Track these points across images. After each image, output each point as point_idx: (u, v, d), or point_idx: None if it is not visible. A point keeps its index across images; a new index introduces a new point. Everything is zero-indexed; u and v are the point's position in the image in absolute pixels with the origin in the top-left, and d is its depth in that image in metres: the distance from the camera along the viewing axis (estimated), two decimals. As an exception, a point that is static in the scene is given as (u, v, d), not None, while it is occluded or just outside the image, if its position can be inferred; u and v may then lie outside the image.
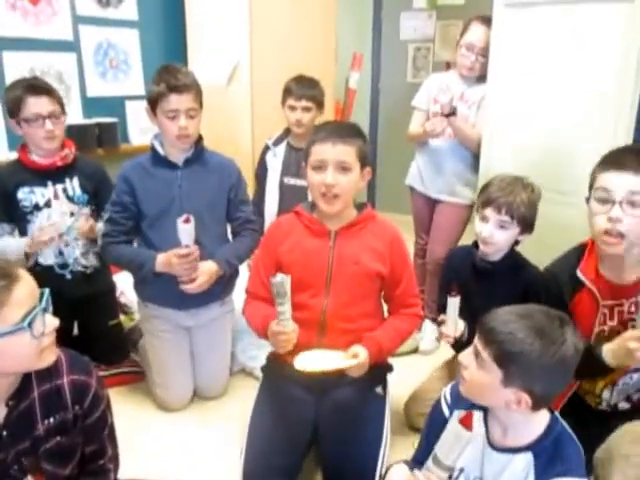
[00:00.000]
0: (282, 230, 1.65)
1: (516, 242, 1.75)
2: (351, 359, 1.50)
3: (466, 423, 1.10)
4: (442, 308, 1.71)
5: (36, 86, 1.93)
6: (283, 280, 1.39)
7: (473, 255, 1.77)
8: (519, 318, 1.09)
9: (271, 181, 2.47)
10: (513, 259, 1.77)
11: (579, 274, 1.49)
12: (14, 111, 1.92)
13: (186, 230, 1.76)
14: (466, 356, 1.17)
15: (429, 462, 1.14)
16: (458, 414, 1.13)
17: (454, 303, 1.60)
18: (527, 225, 1.69)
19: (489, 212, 1.68)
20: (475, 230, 1.75)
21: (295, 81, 2.43)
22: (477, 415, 1.22)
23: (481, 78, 2.42)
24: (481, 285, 1.75)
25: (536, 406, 1.10)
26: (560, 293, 1.51)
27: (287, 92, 2.42)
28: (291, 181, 2.44)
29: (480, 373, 1.12)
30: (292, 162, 2.44)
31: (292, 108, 2.40)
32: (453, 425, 1.12)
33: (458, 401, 1.25)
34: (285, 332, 1.46)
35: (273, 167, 2.47)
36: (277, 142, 2.49)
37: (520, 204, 1.65)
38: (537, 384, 1.08)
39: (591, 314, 1.48)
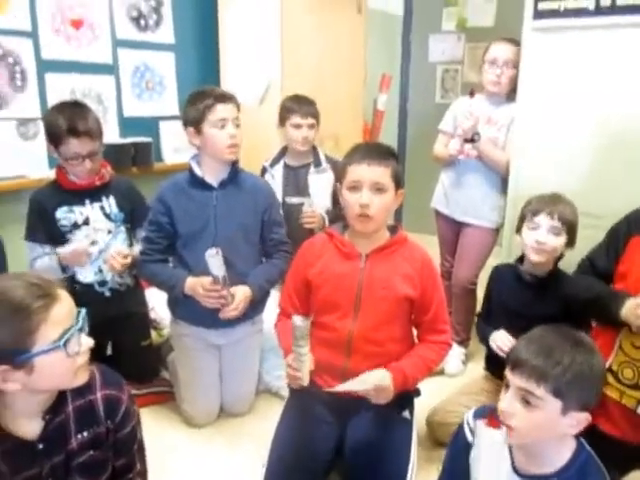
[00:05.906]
0: (314, 251, 1.67)
1: (560, 256, 1.83)
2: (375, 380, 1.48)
3: (493, 424, 1.09)
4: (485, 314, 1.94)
5: (77, 129, 1.87)
6: (303, 324, 1.38)
7: (517, 270, 1.87)
8: (557, 343, 1.10)
9: None
10: (559, 274, 1.84)
11: None
12: (53, 141, 1.90)
13: (214, 262, 1.76)
14: (509, 404, 1.11)
15: None
16: (481, 423, 1.12)
17: None
18: (572, 237, 1.80)
19: (541, 218, 1.77)
20: (524, 242, 1.82)
21: (294, 100, 2.45)
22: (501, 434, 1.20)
23: (510, 97, 2.42)
24: (525, 299, 1.84)
25: None
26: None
27: (289, 110, 2.42)
28: (293, 200, 2.44)
29: (534, 414, 1.09)
30: (291, 182, 2.43)
31: (298, 126, 2.39)
32: (487, 437, 1.10)
33: None
34: (297, 370, 1.49)
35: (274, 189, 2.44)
36: (274, 163, 2.49)
37: (569, 212, 1.78)
38: (593, 397, 1.09)
39: None
